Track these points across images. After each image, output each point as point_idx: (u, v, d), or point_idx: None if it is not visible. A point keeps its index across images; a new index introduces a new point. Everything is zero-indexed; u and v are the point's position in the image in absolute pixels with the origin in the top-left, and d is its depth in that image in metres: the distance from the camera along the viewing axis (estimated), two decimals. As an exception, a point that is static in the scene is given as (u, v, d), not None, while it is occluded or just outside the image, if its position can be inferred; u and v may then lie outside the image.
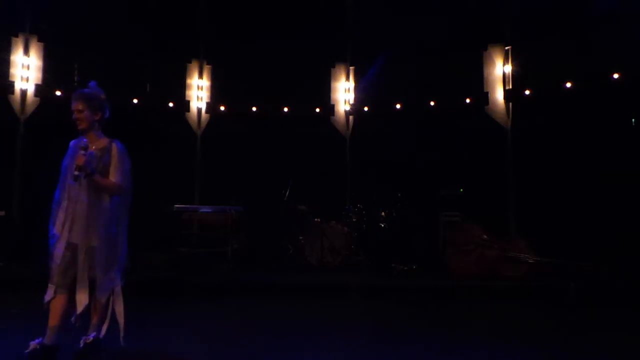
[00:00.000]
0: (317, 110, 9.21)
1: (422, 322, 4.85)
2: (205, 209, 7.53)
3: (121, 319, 3.34)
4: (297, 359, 3.67)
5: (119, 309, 3.36)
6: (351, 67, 9.39)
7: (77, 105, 3.33)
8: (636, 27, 6.68)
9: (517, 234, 7.51)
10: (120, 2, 7.96)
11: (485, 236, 6.78)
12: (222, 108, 9.18)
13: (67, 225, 3.22)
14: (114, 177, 3.35)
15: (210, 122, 9.22)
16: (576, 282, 5.77)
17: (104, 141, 3.43)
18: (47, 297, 3.21)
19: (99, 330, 3.31)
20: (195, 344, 4.02)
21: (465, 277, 6.53)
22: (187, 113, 9.14)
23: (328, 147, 9.05)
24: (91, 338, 3.23)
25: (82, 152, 3.18)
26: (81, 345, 3.18)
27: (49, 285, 3.23)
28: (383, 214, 7.57)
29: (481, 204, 7.53)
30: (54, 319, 3.19)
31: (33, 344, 3.12)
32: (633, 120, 7.01)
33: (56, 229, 3.23)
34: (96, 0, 8.00)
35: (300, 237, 7.61)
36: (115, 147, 3.42)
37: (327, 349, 3.91)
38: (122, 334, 3.33)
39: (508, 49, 8.21)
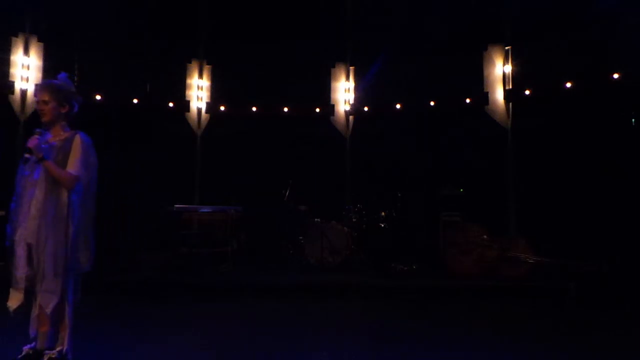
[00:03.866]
0: (317, 110, 9.20)
1: (422, 322, 4.85)
2: (205, 209, 7.52)
3: (65, 331, 3.08)
4: (297, 359, 3.67)
5: (66, 320, 3.08)
6: (351, 67, 9.39)
7: (43, 96, 3.13)
8: (636, 27, 6.68)
9: (517, 234, 7.51)
10: (121, 2, 7.96)
11: (485, 236, 6.78)
12: (222, 108, 9.18)
13: (23, 223, 3.03)
14: (70, 167, 3.07)
15: (210, 122, 9.22)
16: (576, 282, 5.77)
17: (68, 134, 3.18)
18: (14, 304, 3.04)
19: (63, 342, 3.09)
20: (195, 344, 4.02)
21: (465, 277, 6.53)
22: (187, 113, 9.13)
23: (328, 147, 9.05)
24: (55, 353, 3.03)
25: (36, 135, 3.07)
26: None
27: (13, 290, 3.06)
28: (383, 214, 7.57)
29: (481, 204, 7.53)
30: (44, 324, 3.12)
31: (25, 349, 3.10)
32: (633, 120, 7.01)
33: (11, 228, 3.06)
34: (96, 0, 8.01)
35: (300, 237, 7.61)
36: (77, 137, 3.14)
37: (327, 348, 3.91)
38: (63, 347, 3.07)
39: (508, 49, 8.20)
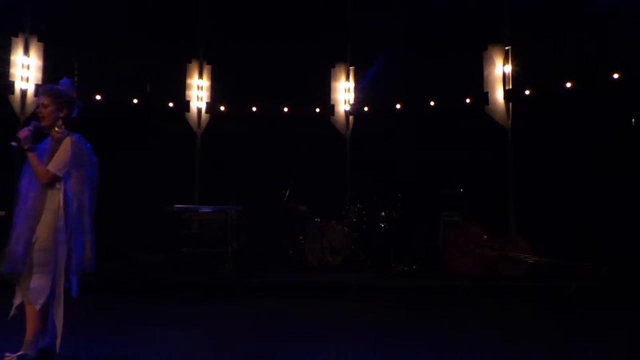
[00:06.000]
0: (317, 110, 9.19)
1: (422, 322, 4.84)
2: (205, 209, 7.52)
3: (59, 325, 3.10)
4: (297, 359, 3.67)
5: (59, 315, 3.10)
6: (351, 67, 9.38)
7: (43, 100, 3.24)
8: (636, 27, 6.68)
9: (517, 234, 7.51)
10: (121, 2, 7.95)
11: (485, 236, 6.79)
12: (222, 108, 9.17)
13: (21, 222, 3.09)
14: (51, 164, 3.14)
15: (210, 122, 9.21)
16: (576, 282, 5.78)
17: (60, 135, 3.25)
18: (17, 301, 3.12)
19: (36, 343, 3.09)
20: (195, 344, 4.02)
21: (465, 277, 6.53)
22: (187, 113, 9.12)
23: (328, 147, 9.04)
24: (15, 357, 3.01)
25: (29, 127, 3.18)
26: None
27: (17, 288, 3.12)
28: (383, 214, 7.57)
29: (481, 204, 7.53)
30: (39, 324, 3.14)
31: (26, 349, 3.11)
32: (633, 120, 7.01)
33: (13, 227, 3.10)
34: (96, 0, 8.00)
35: (300, 237, 7.61)
36: (67, 139, 3.20)
37: (327, 348, 3.91)
38: (58, 343, 3.09)
39: (508, 49, 8.20)
